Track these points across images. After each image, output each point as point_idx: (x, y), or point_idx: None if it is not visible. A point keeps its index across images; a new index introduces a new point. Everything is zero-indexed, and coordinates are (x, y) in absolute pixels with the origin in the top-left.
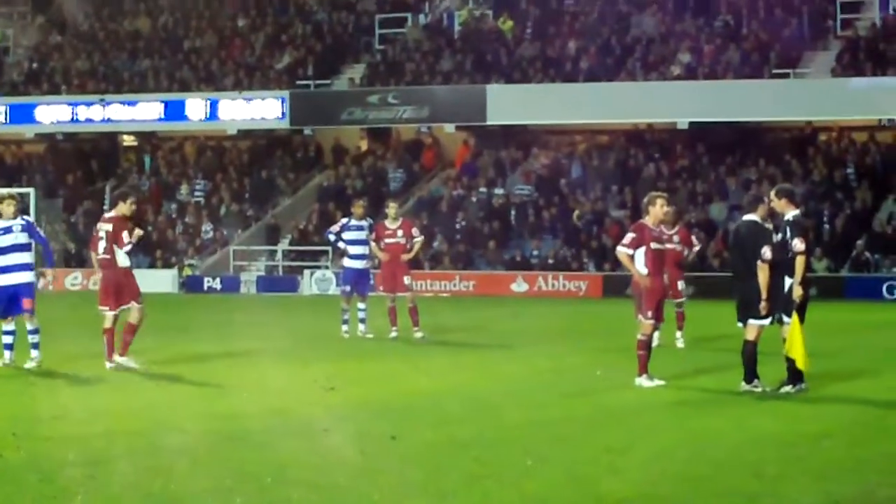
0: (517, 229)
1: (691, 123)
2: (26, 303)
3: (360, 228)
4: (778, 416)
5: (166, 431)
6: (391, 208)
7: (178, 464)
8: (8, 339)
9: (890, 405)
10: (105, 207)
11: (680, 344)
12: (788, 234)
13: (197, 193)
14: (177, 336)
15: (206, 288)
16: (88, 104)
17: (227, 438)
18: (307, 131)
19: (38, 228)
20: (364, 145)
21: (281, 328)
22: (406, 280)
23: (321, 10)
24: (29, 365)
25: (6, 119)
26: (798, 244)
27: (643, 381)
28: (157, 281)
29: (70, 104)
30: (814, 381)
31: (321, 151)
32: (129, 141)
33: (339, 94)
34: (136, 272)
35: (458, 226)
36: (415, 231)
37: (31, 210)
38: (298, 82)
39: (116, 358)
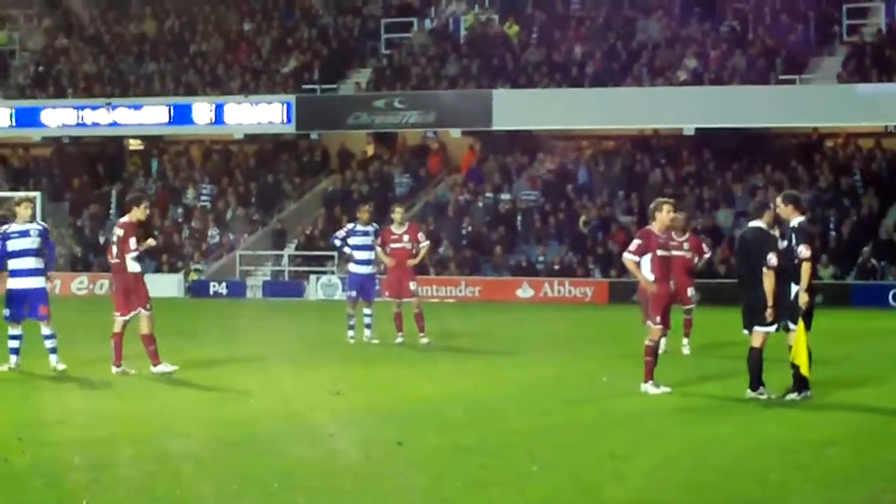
0: (523, 235)
1: (697, 129)
2: (43, 309)
3: (365, 234)
4: (783, 424)
5: (171, 436)
6: (397, 213)
7: (183, 468)
8: (14, 344)
9: (895, 413)
10: (111, 211)
11: (686, 350)
12: (794, 240)
13: (203, 198)
14: (182, 341)
15: (211, 292)
16: (95, 108)
17: (232, 443)
18: (313, 136)
19: (49, 235)
20: (370, 150)
21: (286, 333)
22: (412, 286)
23: (327, 15)
24: (61, 367)
25: (13, 123)
26: (804, 251)
27: (649, 388)
28: (162, 285)
29: (76, 108)
30: (819, 388)
31: (327, 156)
32: (135, 145)
33: (345, 99)
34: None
35: (464, 231)
36: (420, 236)
37: (38, 214)
38: (304, 86)
39: (152, 369)
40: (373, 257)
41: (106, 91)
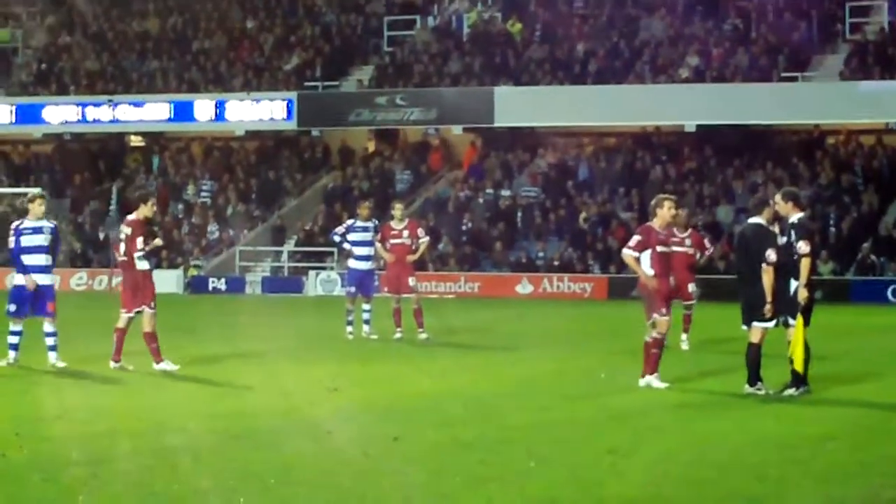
0: (523, 231)
1: (699, 126)
2: (50, 306)
3: (365, 229)
4: (781, 419)
5: (169, 431)
6: (396, 209)
7: (181, 463)
8: (14, 340)
9: (894, 408)
10: (111, 208)
11: (685, 346)
12: (793, 236)
13: (203, 194)
14: (181, 336)
15: (211, 288)
16: (97, 104)
17: (230, 438)
18: (315, 132)
19: (59, 233)
20: (371, 146)
21: (285, 329)
22: (411, 281)
23: (330, 12)
24: (60, 364)
25: (14, 119)
26: (803, 247)
27: (653, 382)
28: (162, 281)
29: (78, 104)
30: (817, 383)
31: (328, 152)
32: (136, 141)
33: (346, 96)
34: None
35: (464, 227)
36: (420, 232)
37: None
38: (306, 83)
39: (154, 366)
40: (372, 253)
41: (108, 88)
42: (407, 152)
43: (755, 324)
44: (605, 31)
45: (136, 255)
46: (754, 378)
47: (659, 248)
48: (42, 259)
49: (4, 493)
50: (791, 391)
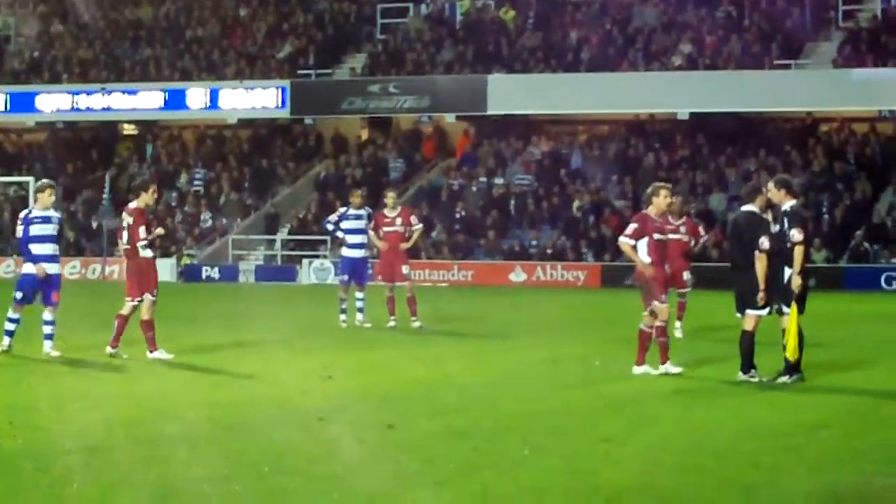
0: (516, 219)
1: (692, 114)
2: (55, 296)
3: (358, 217)
4: (775, 407)
5: (164, 420)
6: (389, 198)
7: (175, 452)
8: (11, 327)
9: (887, 395)
10: (104, 196)
11: (678, 334)
12: (786, 224)
13: (196, 182)
14: (174, 325)
15: (204, 277)
16: (90, 93)
17: (224, 427)
18: (308, 120)
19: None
20: (364, 135)
21: (279, 318)
22: (404, 269)
23: (322, 0)
24: (55, 354)
25: (7, 107)
26: (796, 234)
27: (671, 369)
28: None
29: (71, 93)
30: (811, 371)
31: (321, 141)
32: (129, 130)
33: (339, 84)
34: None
35: (457, 216)
36: (413, 219)
37: (31, 199)
38: (299, 71)
39: (148, 355)
40: (365, 241)
41: (101, 76)
42: (400, 140)
43: (749, 311)
44: (598, 18)
45: (138, 243)
46: (748, 366)
47: (656, 236)
48: (50, 248)
49: None
50: (784, 379)
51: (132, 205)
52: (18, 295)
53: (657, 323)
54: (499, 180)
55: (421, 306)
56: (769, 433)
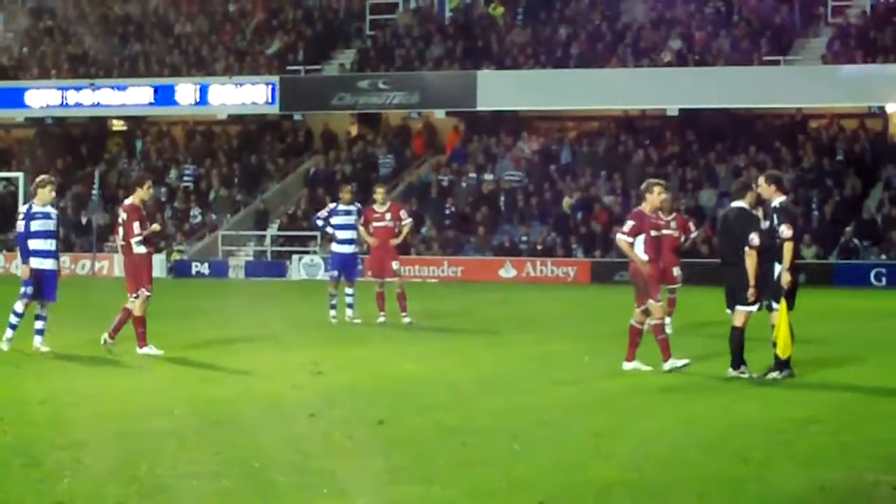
0: (506, 215)
1: (681, 110)
2: (53, 292)
3: (348, 213)
4: (765, 402)
5: (153, 415)
6: (378, 193)
7: (165, 447)
8: (14, 321)
9: (876, 391)
10: (94, 192)
11: (668, 330)
12: (776, 220)
13: (186, 178)
14: (164, 321)
15: (194, 273)
16: (78, 89)
17: (214, 422)
18: (297, 116)
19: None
20: (354, 131)
21: (269, 313)
22: (394, 265)
23: None
24: (45, 349)
25: None
26: (785, 231)
27: (676, 363)
28: None
29: (60, 89)
30: (801, 367)
31: (311, 137)
32: (118, 125)
33: (329, 80)
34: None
35: (447, 211)
36: (403, 214)
37: (21, 194)
38: (289, 67)
39: (138, 350)
40: (355, 237)
41: (90, 72)
42: (389, 136)
43: (739, 307)
44: (587, 14)
45: (132, 240)
46: (738, 361)
47: (652, 233)
48: (50, 244)
49: None
50: (774, 374)
51: (127, 201)
52: (30, 290)
53: (654, 321)
54: (489, 176)
55: (411, 302)
56: (759, 429)
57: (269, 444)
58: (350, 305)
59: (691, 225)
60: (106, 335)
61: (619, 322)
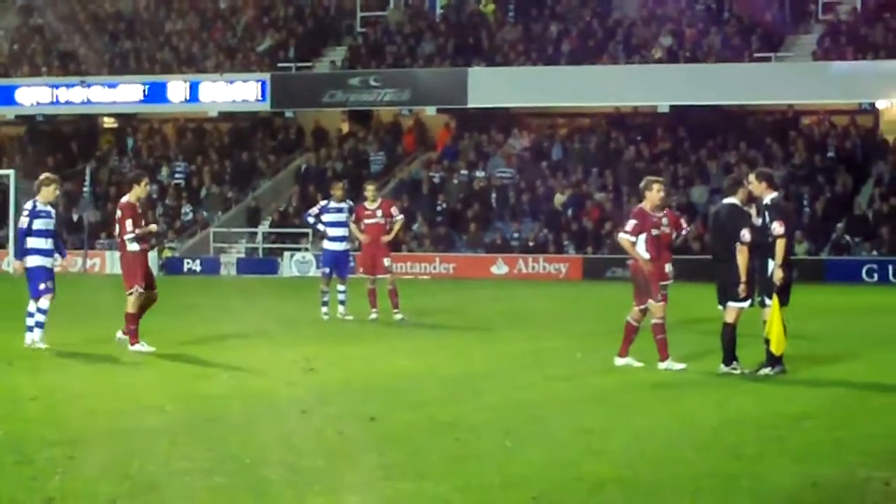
0: (498, 212)
1: (672, 107)
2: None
3: (339, 210)
4: (757, 398)
5: (146, 412)
6: (369, 190)
7: (157, 444)
8: (41, 318)
9: (869, 387)
10: (85, 190)
11: None
12: (768, 217)
13: (177, 175)
14: (155, 318)
15: (185, 270)
16: (69, 86)
17: (206, 419)
18: (288, 113)
19: None
20: (345, 128)
21: (261, 310)
22: (386, 262)
23: None
24: (41, 345)
25: None
26: (777, 227)
27: (673, 365)
28: None
29: (51, 86)
30: (793, 363)
31: (302, 133)
32: (109, 123)
33: (320, 77)
34: (117, 254)
35: (439, 208)
36: (394, 210)
37: (11, 192)
38: (280, 65)
39: (129, 347)
40: (347, 234)
41: (81, 69)
42: (381, 133)
43: (730, 303)
44: (578, 11)
45: (125, 237)
46: (730, 358)
47: (653, 231)
48: (50, 243)
49: None
50: (766, 370)
51: (124, 198)
52: (50, 285)
53: (654, 321)
54: (480, 173)
55: (403, 299)
56: (752, 425)
57: (261, 441)
58: (342, 302)
59: (683, 221)
60: (120, 332)
61: (611, 318)
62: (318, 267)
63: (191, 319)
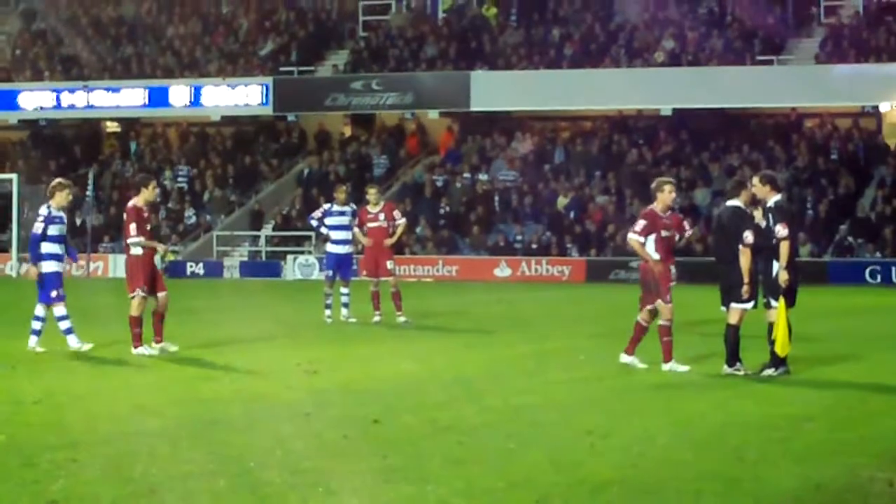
0: (501, 214)
1: (675, 110)
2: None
3: (342, 214)
4: (760, 400)
5: (148, 415)
6: (371, 194)
7: (159, 448)
8: (66, 324)
9: (871, 388)
10: (88, 194)
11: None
12: (771, 220)
13: (180, 179)
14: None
15: (189, 273)
16: (72, 90)
17: (209, 422)
18: (291, 117)
19: None
20: (348, 131)
21: (264, 313)
22: (389, 265)
23: None
24: (40, 350)
25: None
26: (780, 230)
27: (677, 367)
28: None
29: (54, 90)
30: (796, 364)
31: (305, 137)
32: (112, 127)
33: (322, 81)
34: (121, 257)
35: (441, 211)
36: (396, 214)
37: (14, 196)
38: (282, 69)
39: (133, 350)
40: (350, 237)
41: (83, 74)
42: (383, 137)
43: (733, 305)
44: (580, 14)
45: (128, 240)
46: (733, 359)
47: (663, 233)
48: (62, 248)
49: None
50: (770, 371)
51: (130, 202)
52: (62, 293)
53: (661, 322)
54: (483, 176)
55: (406, 301)
56: (754, 426)
57: (263, 444)
58: (345, 305)
59: (686, 224)
60: (153, 342)
61: (613, 321)
62: (321, 270)
63: (193, 323)
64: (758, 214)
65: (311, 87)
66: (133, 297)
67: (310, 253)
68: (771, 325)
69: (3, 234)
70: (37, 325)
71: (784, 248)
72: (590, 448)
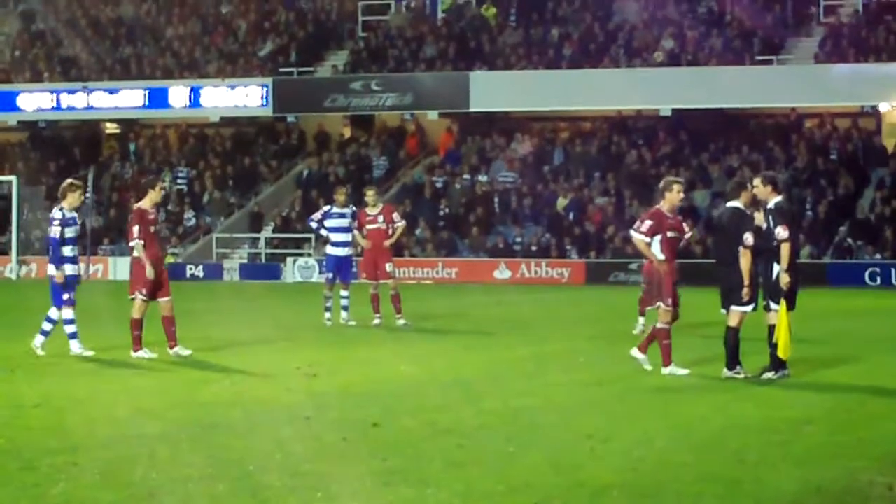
0: (500, 216)
1: (674, 110)
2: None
3: (342, 216)
4: (760, 403)
5: (148, 419)
6: (369, 196)
7: (159, 451)
8: (71, 329)
9: (871, 391)
10: (87, 195)
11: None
12: (772, 221)
13: (180, 181)
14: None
15: (188, 275)
16: (71, 92)
17: (208, 426)
18: (290, 118)
19: None
20: (347, 132)
21: (263, 316)
22: (388, 267)
23: None
24: (41, 352)
25: None
26: (781, 232)
27: (676, 371)
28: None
29: (52, 92)
30: (796, 367)
31: (304, 138)
32: (111, 128)
33: (322, 82)
34: (120, 259)
35: (441, 213)
36: (395, 216)
37: (14, 198)
38: (281, 69)
39: (132, 353)
40: (349, 239)
41: (82, 75)
42: (383, 138)
43: (734, 307)
44: (580, 14)
45: (131, 242)
46: (733, 362)
47: (669, 234)
48: (75, 251)
49: None
50: (770, 374)
51: (136, 204)
52: (73, 295)
53: (659, 325)
54: (482, 177)
55: (405, 304)
56: (754, 429)
57: (263, 448)
58: (345, 307)
59: (686, 225)
60: (168, 348)
61: (613, 323)
62: (320, 272)
63: (193, 325)
64: (758, 216)
65: (311, 87)
66: (133, 300)
67: (310, 255)
68: (771, 328)
69: (3, 237)
70: (47, 326)
71: (785, 250)
72: (590, 451)
